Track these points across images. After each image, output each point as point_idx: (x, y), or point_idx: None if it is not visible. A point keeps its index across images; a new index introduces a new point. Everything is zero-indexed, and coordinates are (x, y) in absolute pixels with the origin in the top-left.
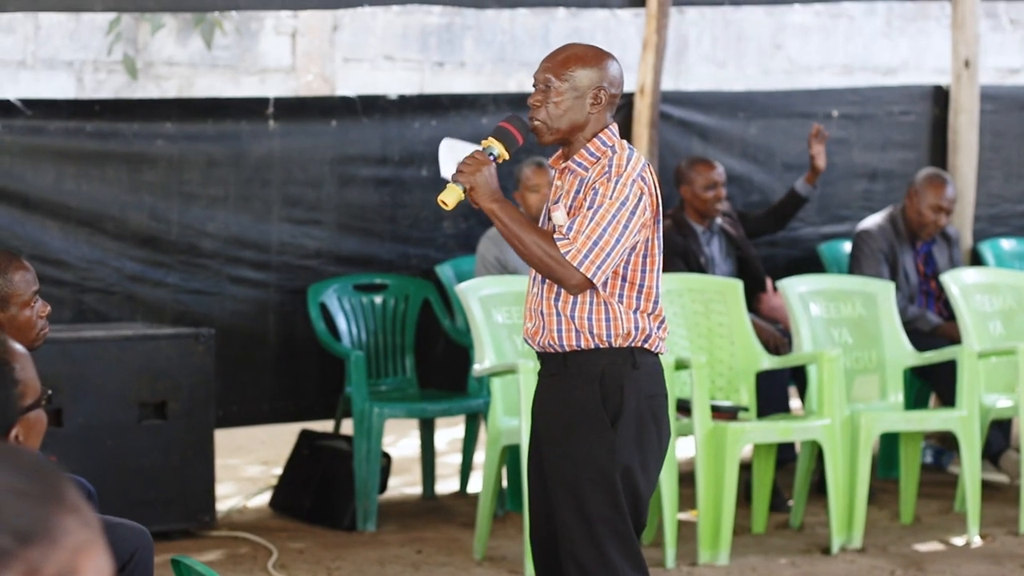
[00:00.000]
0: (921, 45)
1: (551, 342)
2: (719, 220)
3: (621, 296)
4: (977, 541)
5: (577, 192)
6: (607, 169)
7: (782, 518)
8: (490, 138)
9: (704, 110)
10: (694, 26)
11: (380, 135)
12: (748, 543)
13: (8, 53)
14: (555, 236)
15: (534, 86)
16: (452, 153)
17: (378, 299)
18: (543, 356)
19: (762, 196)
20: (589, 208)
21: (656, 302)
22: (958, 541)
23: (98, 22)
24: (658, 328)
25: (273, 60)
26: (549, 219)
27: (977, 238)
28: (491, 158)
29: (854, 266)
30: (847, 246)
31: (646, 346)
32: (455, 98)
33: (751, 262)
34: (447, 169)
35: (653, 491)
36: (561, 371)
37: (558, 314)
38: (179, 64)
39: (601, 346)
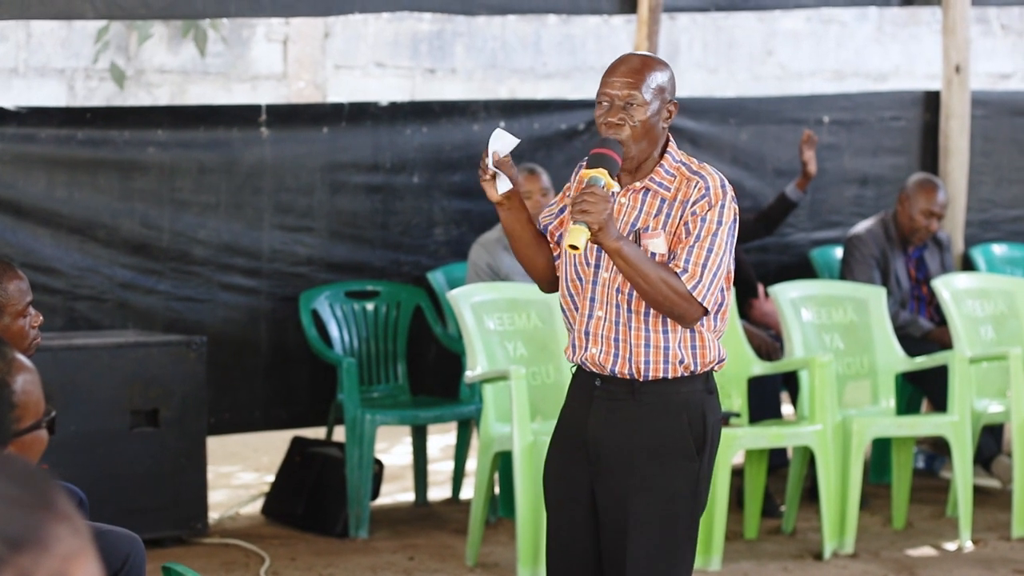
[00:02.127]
0: (912, 51)
1: (632, 371)
2: None
3: (703, 321)
4: (969, 546)
5: (668, 215)
6: (705, 192)
7: (774, 524)
8: (598, 169)
9: (695, 116)
10: (685, 32)
11: (371, 142)
12: (740, 549)
13: (0, 61)
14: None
15: (604, 102)
16: (497, 143)
17: (370, 306)
18: (603, 379)
19: (753, 202)
20: (699, 238)
21: (726, 321)
22: (950, 546)
23: (89, 30)
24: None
25: (265, 67)
26: (637, 242)
27: (968, 243)
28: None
29: (845, 271)
30: (838, 251)
31: (715, 369)
32: (446, 105)
33: (742, 268)
34: (490, 160)
35: None
36: (634, 398)
37: (648, 345)
38: (171, 71)
39: (686, 375)
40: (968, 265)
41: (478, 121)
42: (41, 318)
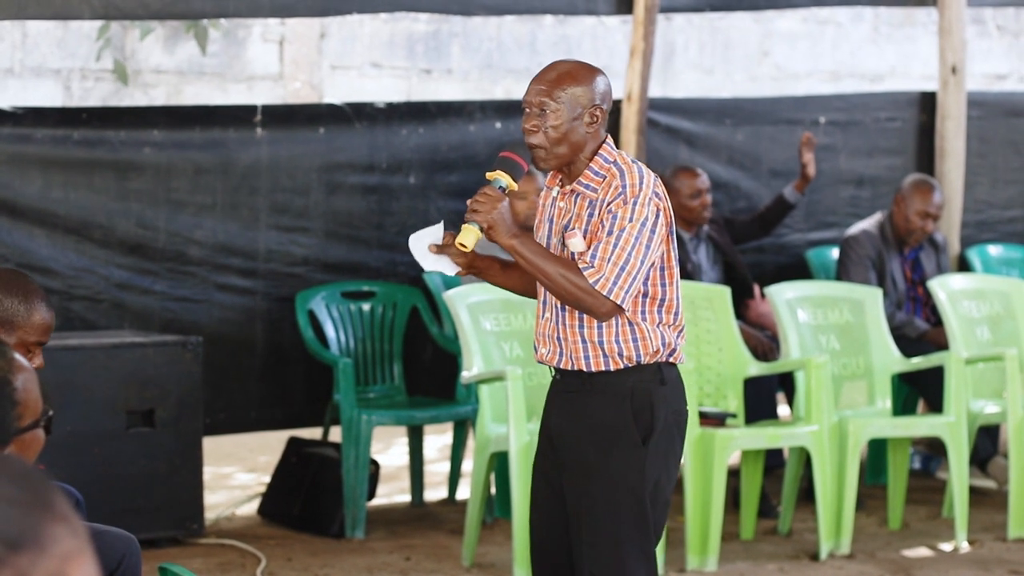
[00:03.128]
0: (908, 51)
1: (575, 366)
2: (706, 227)
3: (644, 313)
4: (965, 547)
5: (590, 215)
6: (621, 190)
7: (770, 524)
8: (496, 171)
9: (691, 117)
10: (681, 33)
11: (368, 142)
12: (736, 549)
13: None
14: (579, 264)
15: (525, 109)
16: (422, 243)
17: (366, 306)
18: (562, 372)
19: (749, 203)
20: (609, 233)
21: (677, 314)
22: (946, 547)
23: (86, 30)
24: (678, 337)
25: (261, 68)
26: (563, 245)
27: (964, 244)
28: (501, 191)
29: (842, 272)
30: (834, 252)
31: (671, 359)
32: (442, 105)
33: (738, 269)
34: (427, 262)
35: (670, 501)
36: (585, 388)
37: (584, 341)
38: (167, 72)
39: (630, 365)
40: (964, 266)
41: (474, 122)
42: (41, 364)
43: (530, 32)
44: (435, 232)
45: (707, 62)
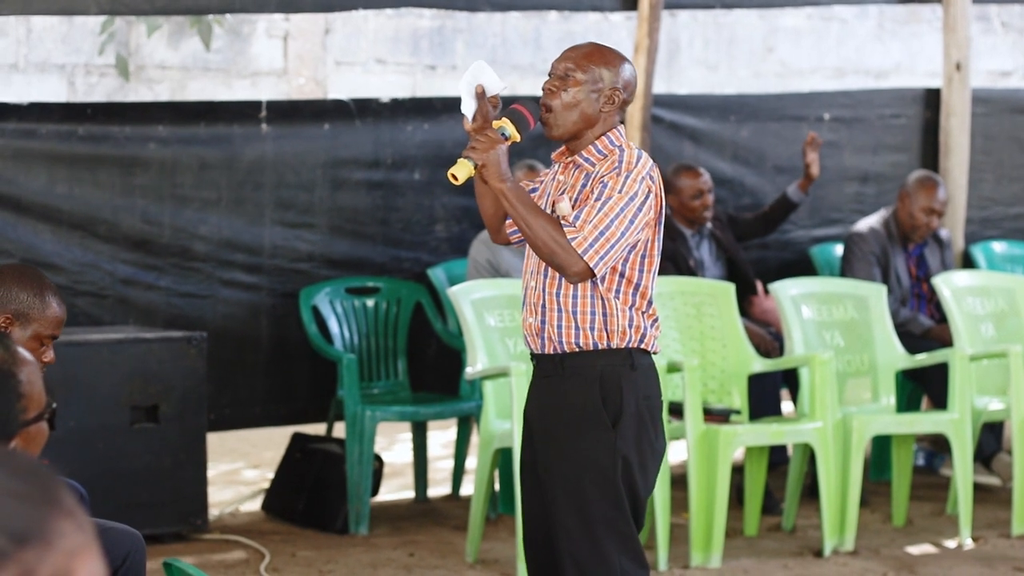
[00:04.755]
0: (913, 48)
1: (551, 337)
2: (708, 224)
3: (618, 292)
4: (969, 543)
5: (584, 186)
6: (617, 164)
7: (774, 521)
8: (503, 119)
9: (695, 113)
10: (686, 29)
11: (372, 138)
12: (740, 545)
13: (0, 56)
14: (562, 224)
15: (550, 74)
16: (478, 75)
17: (370, 302)
18: (539, 358)
19: (753, 199)
20: (597, 200)
21: (651, 302)
22: (950, 544)
23: (90, 25)
24: (652, 326)
25: (265, 63)
26: (553, 210)
27: (969, 241)
28: (503, 138)
29: (846, 269)
30: (839, 249)
31: (643, 346)
32: (447, 101)
33: (740, 265)
34: (464, 88)
35: (651, 492)
36: (558, 373)
37: (559, 308)
38: (171, 67)
39: (600, 345)
40: (968, 262)
41: None
42: (53, 359)
43: (534, 28)
44: (494, 83)
45: (712, 58)
